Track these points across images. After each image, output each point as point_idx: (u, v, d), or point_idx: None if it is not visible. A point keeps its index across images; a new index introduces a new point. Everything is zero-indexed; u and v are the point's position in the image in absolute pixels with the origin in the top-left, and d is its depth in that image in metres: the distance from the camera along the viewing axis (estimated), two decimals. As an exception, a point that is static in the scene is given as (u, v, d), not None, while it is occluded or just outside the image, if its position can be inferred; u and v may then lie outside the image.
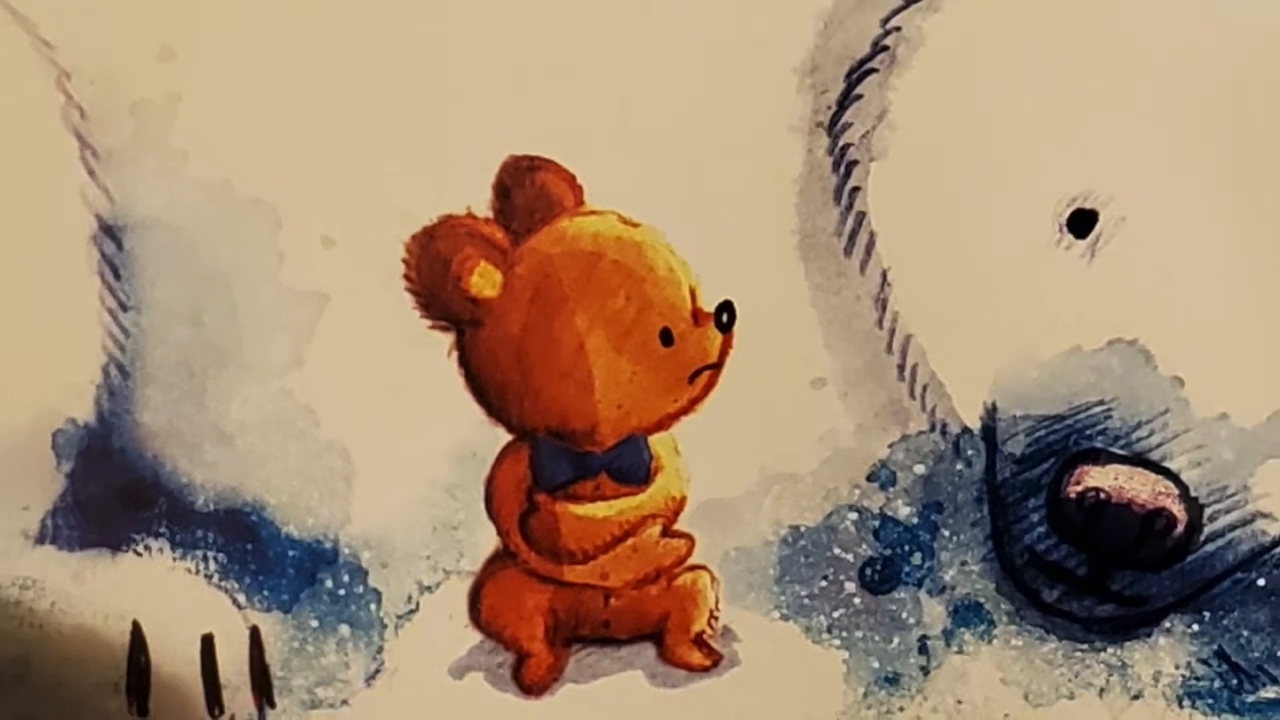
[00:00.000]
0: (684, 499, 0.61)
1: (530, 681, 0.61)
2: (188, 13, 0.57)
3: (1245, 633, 0.62)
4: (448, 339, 0.59)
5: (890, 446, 0.61)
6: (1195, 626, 0.62)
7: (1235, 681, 0.63)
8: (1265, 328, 0.60)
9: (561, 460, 0.60)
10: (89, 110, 0.57)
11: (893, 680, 0.62)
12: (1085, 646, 0.62)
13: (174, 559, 0.60)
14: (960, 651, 0.62)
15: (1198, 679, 0.63)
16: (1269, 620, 0.62)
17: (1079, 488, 0.61)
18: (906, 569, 0.62)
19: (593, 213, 0.59)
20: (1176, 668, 0.63)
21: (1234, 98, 0.59)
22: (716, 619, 0.62)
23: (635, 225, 0.59)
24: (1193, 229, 0.60)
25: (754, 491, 0.61)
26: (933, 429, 0.61)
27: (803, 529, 0.61)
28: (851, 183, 0.59)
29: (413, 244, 0.59)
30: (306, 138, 0.58)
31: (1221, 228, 0.60)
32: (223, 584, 0.60)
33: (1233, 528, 0.61)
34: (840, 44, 0.59)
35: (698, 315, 0.60)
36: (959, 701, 0.63)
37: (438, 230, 0.59)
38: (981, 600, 0.62)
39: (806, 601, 0.62)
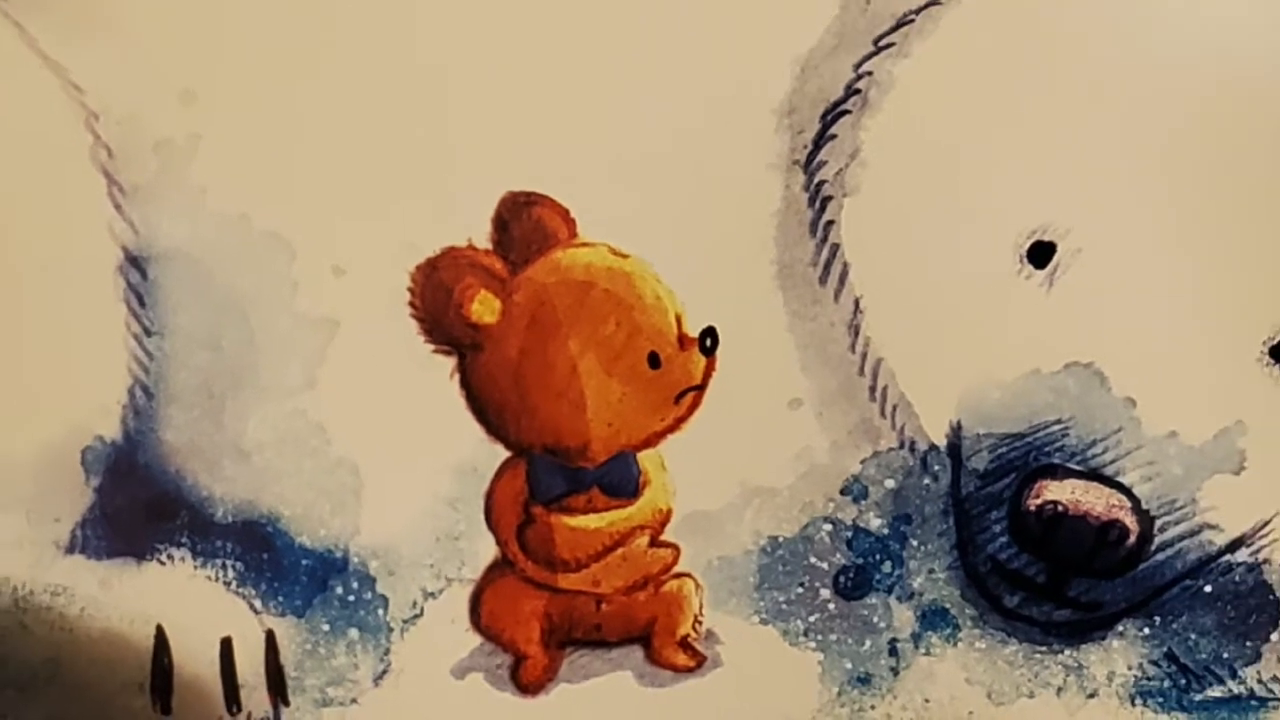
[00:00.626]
0: (670, 511, 0.61)
1: (527, 682, 0.61)
2: (207, 59, 0.57)
3: (1193, 636, 0.62)
4: (450, 362, 0.59)
5: (862, 462, 0.61)
6: (1146, 630, 0.62)
7: (1184, 682, 0.62)
8: (1211, 352, 0.59)
9: (556, 475, 0.60)
10: (115, 149, 0.57)
11: (865, 680, 0.62)
12: (1044, 649, 0.62)
13: (195, 567, 0.59)
14: (928, 653, 0.62)
15: (1149, 679, 0.62)
16: (1215, 624, 0.62)
17: (1038, 501, 0.60)
18: (877, 577, 0.61)
19: (585, 244, 0.59)
20: (1129, 668, 0.62)
21: (1182, 139, 0.58)
22: (700, 623, 0.61)
23: (625, 256, 0.59)
24: (1144, 260, 0.59)
25: (735, 504, 0.60)
26: (902, 446, 0.61)
27: (780, 539, 0.61)
28: (826, 217, 0.59)
29: (417, 273, 0.58)
30: (318, 174, 0.57)
31: (1171, 259, 0.59)
32: (240, 590, 0.59)
33: (1181, 538, 0.60)
34: (816, 87, 0.58)
35: (683, 340, 0.59)
36: (926, 700, 0.62)
37: (440, 261, 0.58)
38: (947, 606, 0.62)
39: (784, 607, 0.61)
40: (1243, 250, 0.59)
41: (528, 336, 0.59)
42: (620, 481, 0.60)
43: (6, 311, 0.58)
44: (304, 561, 0.60)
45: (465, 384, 0.59)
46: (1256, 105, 0.58)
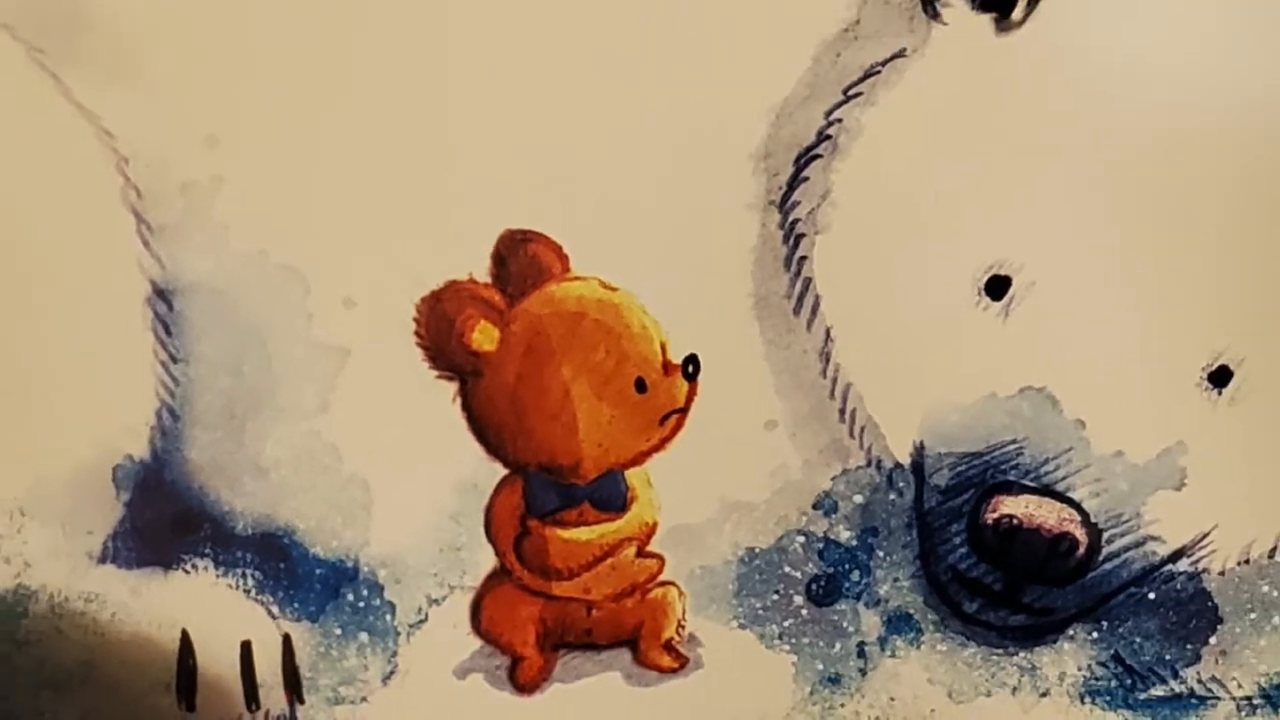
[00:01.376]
0: (655, 524, 0.60)
1: (523, 682, 0.60)
2: (229, 107, 0.56)
3: (1138, 640, 0.61)
4: (452, 387, 0.58)
5: (833, 479, 0.60)
6: (1095, 634, 0.61)
7: (1129, 682, 0.62)
8: (1154, 377, 0.59)
9: (550, 491, 0.59)
10: (144, 190, 0.56)
11: (835, 680, 0.61)
12: (1000, 651, 0.61)
13: (217, 576, 0.58)
14: (893, 655, 0.61)
15: (1097, 679, 0.62)
16: (1158, 629, 0.61)
17: (995, 515, 0.60)
18: (846, 585, 0.61)
19: (577, 278, 0.58)
20: (1079, 669, 0.61)
21: (1126, 182, 0.57)
22: (683, 628, 0.61)
23: (614, 289, 0.58)
24: (1092, 292, 0.58)
25: (715, 518, 0.60)
26: (869, 464, 0.60)
27: (757, 550, 0.60)
28: (799, 253, 0.58)
29: (422, 305, 0.58)
30: (331, 213, 0.57)
31: (1117, 291, 0.58)
32: (259, 597, 0.59)
33: (1127, 549, 0.60)
34: (790, 133, 0.57)
35: (667, 367, 0.58)
36: (891, 699, 0.61)
37: (444, 294, 0.58)
38: (911, 611, 0.61)
39: (761, 613, 0.61)
40: (1182, 284, 0.59)
41: (524, 363, 0.58)
42: (609, 497, 0.59)
43: (43, 339, 0.57)
44: (318, 571, 0.59)
45: (466, 407, 0.59)
46: (1192, 153, 0.57)
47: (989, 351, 0.59)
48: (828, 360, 0.59)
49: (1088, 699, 0.62)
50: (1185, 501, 0.60)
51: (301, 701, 0.60)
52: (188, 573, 0.59)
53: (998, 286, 0.59)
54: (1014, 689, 0.62)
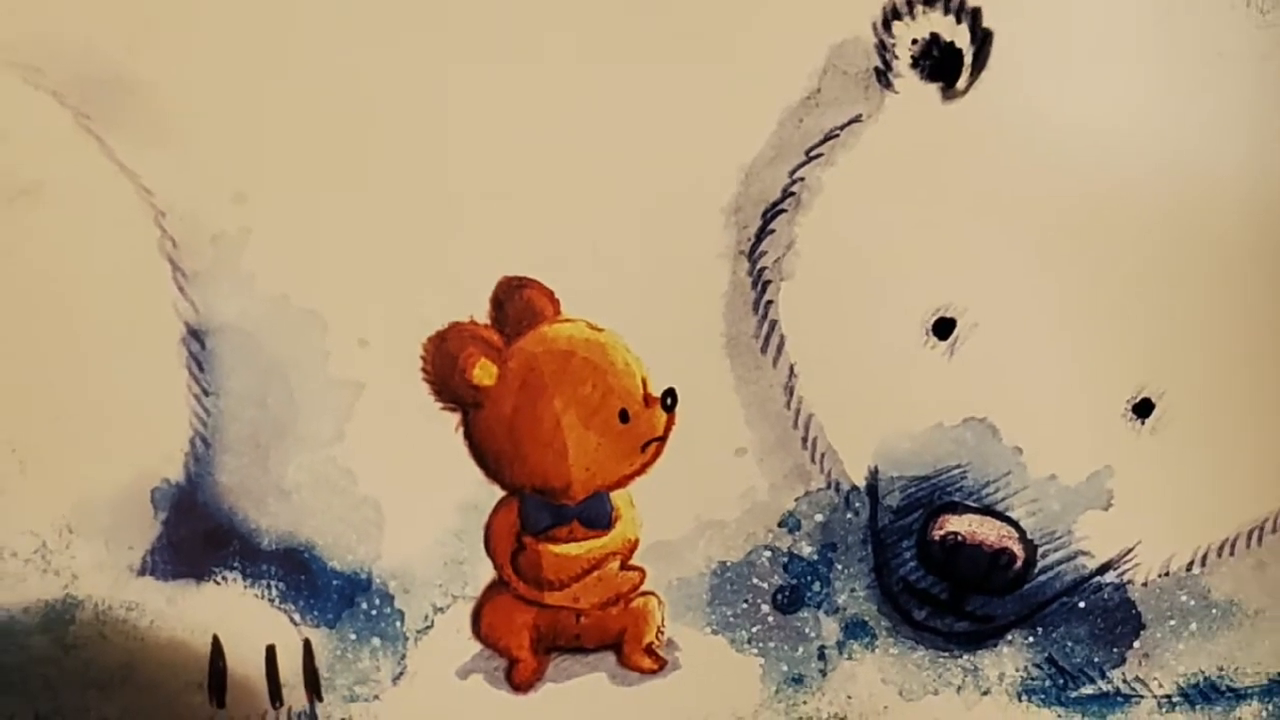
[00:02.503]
0: (637, 541, 0.59)
1: (519, 682, 0.59)
2: (255, 166, 0.55)
3: (1069, 644, 0.60)
4: (455, 418, 0.57)
5: (796, 500, 0.59)
6: (1031, 639, 0.60)
7: (1061, 682, 0.61)
8: (1084, 409, 0.58)
9: (543, 511, 0.58)
10: (179, 241, 0.55)
11: (798, 681, 0.60)
12: (946, 654, 0.60)
13: (244, 587, 0.57)
14: (850, 658, 0.60)
15: (1033, 679, 0.61)
16: (1087, 634, 0.60)
17: (941, 532, 0.59)
18: (808, 595, 0.60)
19: (567, 320, 0.57)
20: (1016, 670, 0.61)
21: (1059, 234, 0.57)
22: (662, 633, 0.60)
23: (600, 330, 0.57)
24: (1029, 333, 0.58)
25: (690, 535, 0.59)
26: (829, 487, 0.59)
27: (728, 564, 0.59)
28: (766, 297, 0.57)
29: (429, 344, 0.56)
30: (346, 262, 0.56)
31: (1050, 332, 0.58)
32: (282, 606, 0.58)
33: (1059, 563, 0.59)
34: (758, 190, 0.56)
35: (648, 399, 0.57)
36: (849, 697, 0.60)
37: (448, 334, 0.57)
38: (866, 619, 0.60)
39: (731, 620, 0.60)
40: (1109, 325, 0.58)
41: (520, 396, 0.57)
42: (596, 516, 0.58)
43: (89, 374, 0.56)
44: (334, 582, 0.58)
45: (468, 436, 0.57)
46: (1117, 209, 0.57)
47: (936, 386, 0.58)
48: (791, 393, 0.58)
49: (1024, 697, 0.61)
50: (1112, 520, 0.59)
51: (320, 699, 0.59)
52: (218, 584, 0.58)
53: (944, 327, 0.58)
54: (959, 688, 0.61)
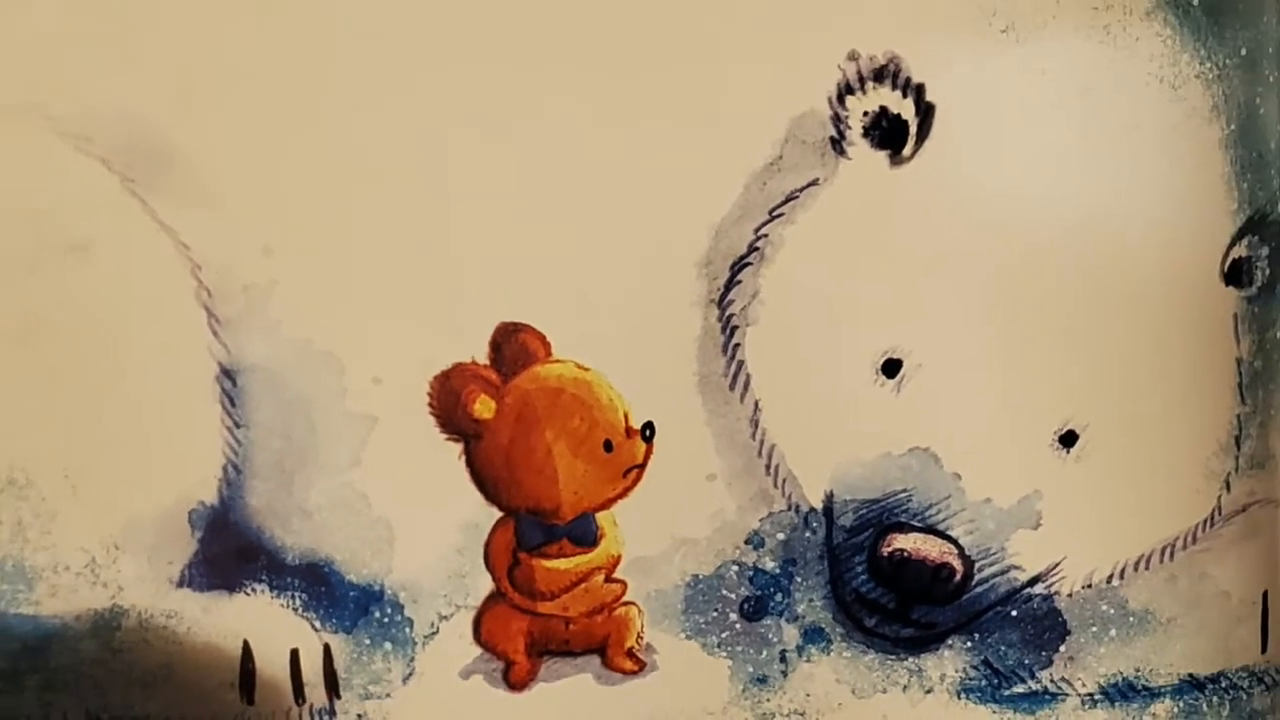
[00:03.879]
0: (620, 556, 0.57)
1: (515, 682, 0.58)
2: (281, 225, 0.54)
3: (1003, 648, 0.59)
4: (458, 447, 0.56)
5: (760, 520, 0.58)
6: (969, 644, 0.59)
7: (996, 681, 0.59)
8: (1016, 440, 0.58)
9: (536, 530, 0.57)
10: (213, 291, 0.54)
11: (762, 681, 0.59)
12: (894, 657, 0.59)
13: (271, 597, 0.56)
14: (808, 661, 0.59)
15: (970, 679, 0.59)
16: (1019, 639, 0.59)
17: (889, 549, 0.58)
18: (771, 604, 0.58)
19: (557, 361, 0.56)
20: (956, 672, 0.59)
21: (994, 285, 0.57)
22: (642, 638, 0.58)
23: (586, 369, 0.56)
24: (967, 373, 0.57)
25: (667, 551, 0.57)
26: (789, 508, 0.58)
27: (700, 577, 0.58)
28: (734, 340, 0.56)
29: (434, 382, 0.55)
30: (361, 310, 0.54)
31: (986, 372, 0.57)
32: (305, 614, 0.56)
33: (994, 576, 0.58)
34: (726, 246, 0.55)
35: (629, 431, 0.56)
36: (807, 695, 0.59)
37: (451, 373, 0.55)
38: (823, 626, 0.59)
39: (703, 626, 0.58)
40: (1038, 366, 0.57)
41: (515, 428, 0.56)
42: (583, 534, 0.57)
43: (134, 408, 0.54)
44: (351, 593, 0.56)
45: (469, 463, 0.56)
46: (1045, 262, 0.57)
47: (884, 419, 0.57)
48: (756, 426, 0.57)
49: (963, 695, 0.60)
50: (1040, 539, 0.58)
51: (339, 697, 0.57)
52: (248, 595, 0.56)
53: (891, 367, 0.57)
54: (905, 687, 0.59)
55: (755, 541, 0.59)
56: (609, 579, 0.58)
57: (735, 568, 0.59)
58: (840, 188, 0.56)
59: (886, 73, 0.55)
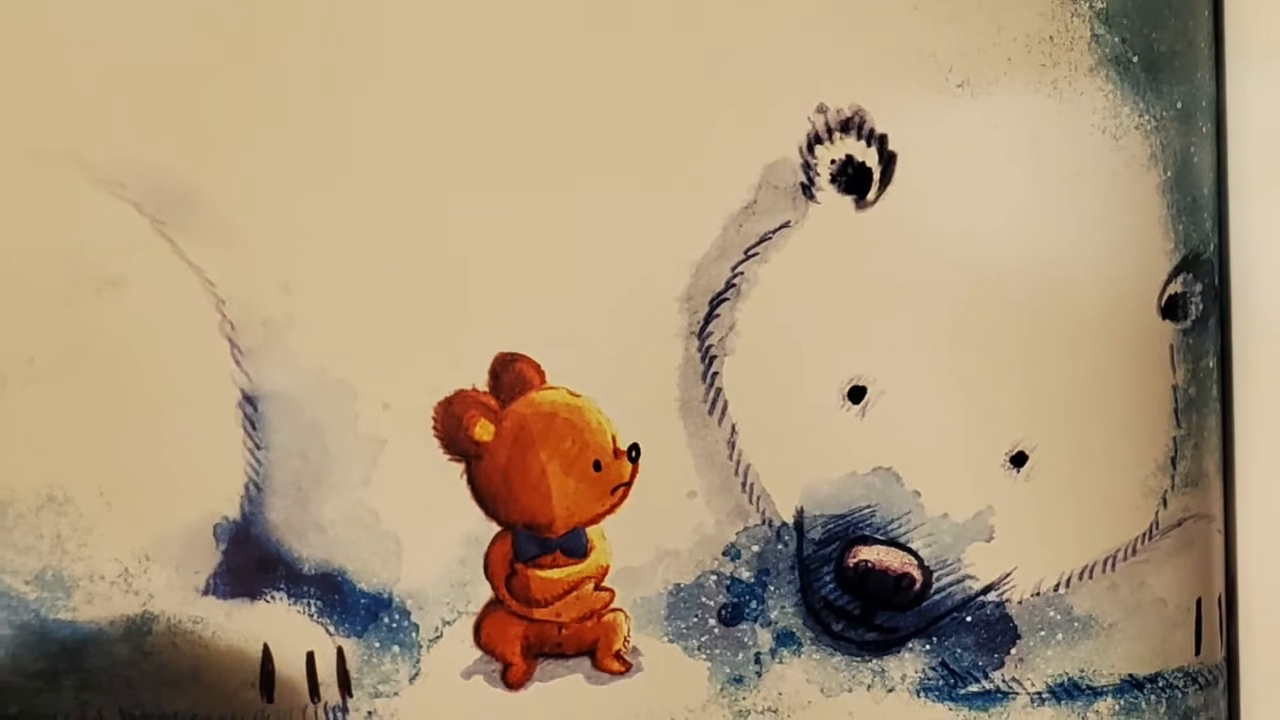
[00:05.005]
0: (608, 567, 0.58)
1: (512, 682, 0.59)
2: (298, 264, 0.55)
3: (959, 650, 0.60)
4: (460, 467, 0.57)
5: (737, 534, 0.58)
6: (928, 646, 0.60)
7: (952, 681, 0.60)
8: (970, 460, 0.58)
9: (531, 543, 0.57)
10: (236, 324, 0.55)
11: (739, 681, 0.59)
12: (859, 659, 0.60)
13: (289, 604, 0.57)
14: (781, 662, 0.60)
15: (929, 679, 0.60)
16: (973, 643, 0.60)
17: (854, 560, 0.58)
18: (747, 611, 0.59)
19: (551, 388, 0.57)
20: (916, 672, 0.60)
21: (951, 318, 0.57)
22: (628, 642, 0.59)
23: (577, 396, 0.57)
24: (926, 399, 0.58)
25: (651, 562, 0.58)
26: (763, 523, 0.59)
27: (682, 585, 0.59)
28: (713, 369, 0.57)
29: (438, 408, 0.56)
30: (372, 342, 0.55)
31: (943, 398, 0.58)
32: (319, 620, 0.57)
33: (950, 585, 0.59)
34: (706, 282, 0.56)
35: (616, 452, 0.57)
36: (780, 693, 0.60)
37: (454, 399, 0.56)
38: (794, 630, 0.59)
39: (684, 631, 0.59)
40: (991, 392, 0.58)
41: (512, 450, 0.57)
42: (575, 547, 0.58)
43: (164, 431, 0.55)
44: (362, 600, 0.57)
45: (470, 482, 0.57)
46: (998, 297, 0.57)
47: (850, 441, 0.58)
48: (733, 447, 0.58)
49: (922, 694, 0.60)
50: (993, 550, 0.59)
51: (351, 696, 0.58)
52: (268, 602, 0.57)
53: (857, 394, 0.58)
54: (869, 686, 0.60)
55: (732, 553, 0.59)
56: (598, 587, 0.59)
57: (714, 577, 0.59)
58: (810, 229, 0.57)
59: (852, 124, 0.56)
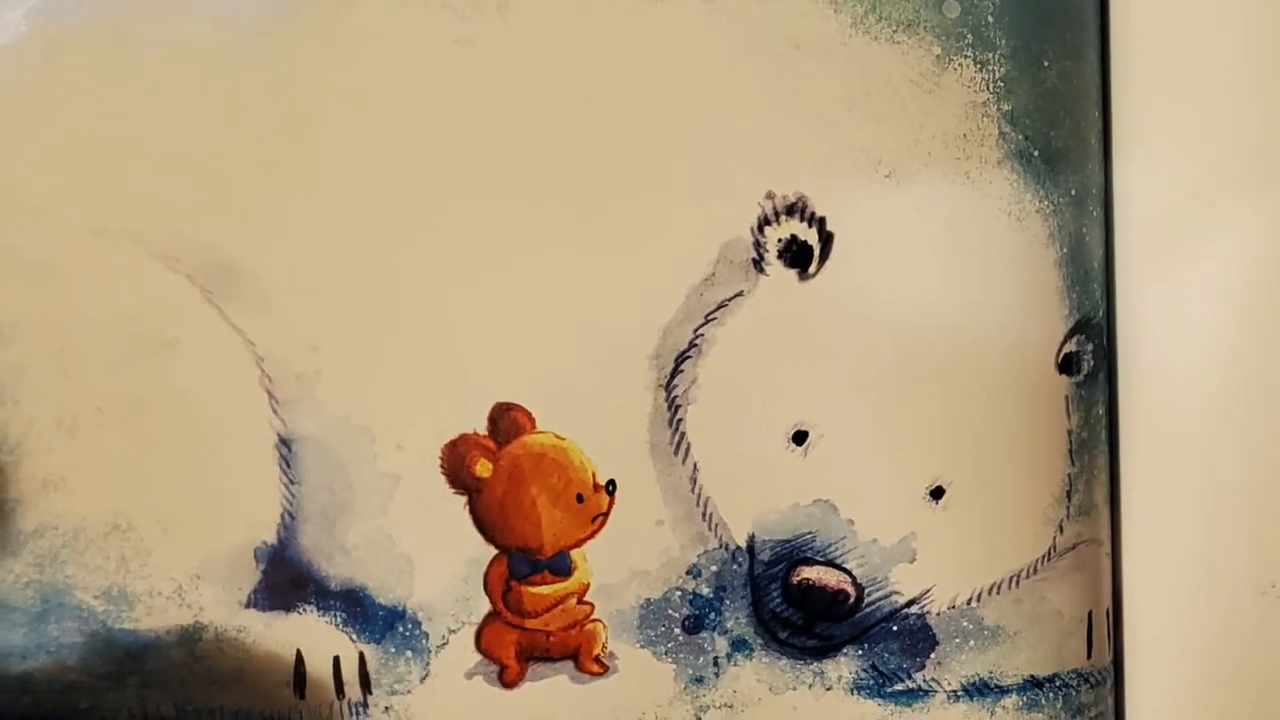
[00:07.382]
0: (589, 584, 0.60)
1: (507, 681, 0.60)
2: (326, 327, 0.57)
3: (886, 655, 0.61)
4: (463, 500, 0.58)
5: (698, 556, 0.60)
6: (860, 652, 0.61)
7: (881, 681, 0.61)
8: (895, 493, 0.59)
9: (524, 563, 0.59)
10: (273, 378, 0.57)
11: (699, 680, 0.61)
12: (801, 662, 0.61)
13: (318, 616, 0.59)
14: (735, 665, 0.61)
15: (861, 679, 0.61)
16: (899, 648, 0.61)
17: (798, 578, 0.60)
18: (707, 621, 0.61)
19: (540, 432, 0.58)
20: (850, 673, 0.61)
21: (882, 374, 0.58)
22: (606, 648, 0.60)
23: (563, 439, 0.58)
24: (859, 441, 0.59)
25: (625, 580, 0.60)
26: (721, 546, 0.60)
27: (651, 600, 0.60)
28: (678, 416, 0.58)
29: (445, 449, 0.58)
30: (388, 392, 0.57)
31: (874, 440, 0.59)
32: (344, 629, 0.59)
33: (879, 599, 0.60)
34: (672, 342, 0.58)
35: (596, 487, 0.59)
36: (735, 691, 0.61)
37: (458, 442, 0.58)
38: (746, 638, 0.61)
39: (653, 638, 0.61)
40: (913, 437, 0.59)
41: (508, 485, 0.58)
42: (561, 567, 0.59)
43: (212, 470, 0.57)
44: (380, 612, 0.59)
45: (472, 512, 0.59)
46: (920, 357, 0.58)
47: (794, 477, 0.59)
48: (695, 482, 0.59)
49: (856, 692, 0.62)
50: (915, 570, 0.60)
51: (370, 693, 0.60)
52: (300, 614, 0.59)
53: (800, 437, 0.59)
54: (810, 685, 0.62)
55: (694, 572, 0.60)
56: (580, 601, 0.60)
57: (678, 593, 0.61)
58: (760, 298, 0.58)
59: (796, 208, 0.57)
